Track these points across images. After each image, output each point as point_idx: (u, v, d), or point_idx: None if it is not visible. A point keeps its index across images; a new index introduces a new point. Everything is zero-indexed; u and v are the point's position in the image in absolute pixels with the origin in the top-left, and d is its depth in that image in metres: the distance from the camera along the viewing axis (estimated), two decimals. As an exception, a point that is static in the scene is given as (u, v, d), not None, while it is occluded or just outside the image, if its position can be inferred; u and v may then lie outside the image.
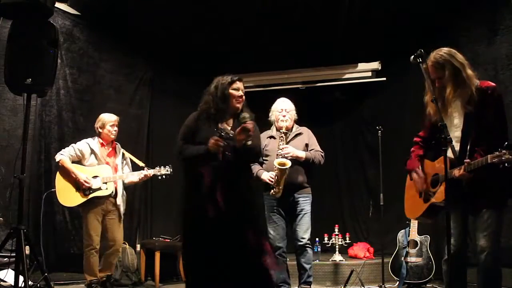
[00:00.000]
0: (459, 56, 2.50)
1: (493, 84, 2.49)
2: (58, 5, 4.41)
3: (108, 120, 3.97)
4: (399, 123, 5.11)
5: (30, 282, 2.76)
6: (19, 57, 2.83)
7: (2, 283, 3.59)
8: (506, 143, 2.18)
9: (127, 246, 4.61)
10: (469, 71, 2.48)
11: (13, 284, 2.76)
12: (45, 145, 4.60)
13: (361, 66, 5.67)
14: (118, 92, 5.24)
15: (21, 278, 2.66)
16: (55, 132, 4.68)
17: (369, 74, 5.68)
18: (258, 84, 5.76)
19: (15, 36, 2.86)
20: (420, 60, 2.44)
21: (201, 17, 4.91)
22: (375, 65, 5.61)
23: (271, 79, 5.82)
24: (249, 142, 2.58)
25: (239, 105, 2.78)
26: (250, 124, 2.60)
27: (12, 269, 2.98)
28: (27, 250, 2.79)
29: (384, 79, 5.57)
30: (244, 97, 2.81)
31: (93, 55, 5.05)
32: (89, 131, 4.74)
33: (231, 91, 2.76)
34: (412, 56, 2.47)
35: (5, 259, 3.63)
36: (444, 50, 2.52)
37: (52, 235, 4.48)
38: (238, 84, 2.80)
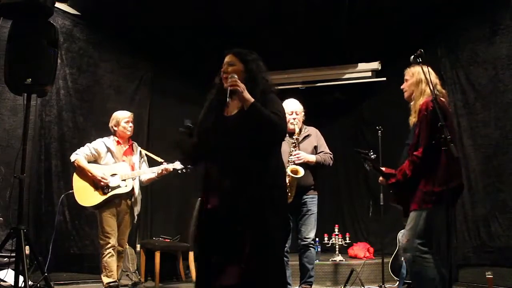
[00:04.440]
0: (430, 75, 2.69)
1: (425, 101, 2.65)
2: (58, 5, 4.41)
3: (122, 117, 3.90)
4: (399, 123, 5.10)
5: (30, 282, 2.76)
6: (19, 57, 2.82)
7: (2, 283, 3.58)
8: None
9: (127, 246, 4.60)
10: (426, 88, 2.69)
11: (13, 284, 2.76)
12: (45, 145, 4.60)
13: (361, 66, 5.67)
14: (118, 92, 5.24)
15: (21, 278, 2.66)
16: (55, 132, 4.68)
17: (369, 74, 5.68)
18: (258, 84, 5.76)
19: (15, 36, 2.86)
20: (420, 60, 2.50)
21: (201, 17, 4.91)
22: (375, 65, 5.62)
23: (271, 79, 5.82)
24: (229, 98, 2.21)
25: (226, 83, 2.29)
26: (231, 81, 2.22)
27: (12, 269, 2.97)
28: (27, 250, 2.80)
29: (384, 79, 5.57)
30: (231, 67, 2.34)
31: (93, 55, 5.05)
32: (89, 131, 4.76)
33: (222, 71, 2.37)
34: (412, 56, 2.55)
35: (5, 259, 3.63)
36: (420, 66, 2.74)
37: (52, 235, 4.47)
38: (226, 58, 2.39)
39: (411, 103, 2.81)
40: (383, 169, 2.84)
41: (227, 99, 2.24)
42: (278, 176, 2.36)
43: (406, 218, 2.73)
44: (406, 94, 2.85)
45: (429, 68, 2.66)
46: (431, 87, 2.52)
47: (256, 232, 2.17)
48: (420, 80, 2.71)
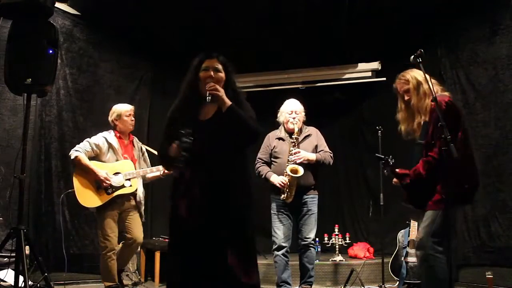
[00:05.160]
0: (422, 74, 2.69)
1: (441, 98, 2.61)
2: (58, 5, 4.41)
3: (124, 110, 3.74)
4: (399, 123, 5.12)
5: (30, 282, 2.76)
6: (19, 57, 2.83)
7: (2, 283, 3.58)
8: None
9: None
10: (427, 86, 2.69)
11: (13, 284, 2.76)
12: (45, 145, 4.59)
13: (361, 66, 5.67)
14: (118, 92, 5.24)
15: (21, 278, 2.66)
16: (55, 132, 4.67)
17: (369, 74, 5.68)
18: (258, 84, 5.76)
19: (15, 36, 2.87)
20: (420, 60, 2.51)
21: (201, 17, 4.91)
22: (375, 65, 5.62)
23: (271, 79, 5.82)
24: (209, 97, 2.25)
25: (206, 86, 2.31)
26: (211, 86, 2.27)
27: (12, 269, 2.98)
28: (27, 250, 2.80)
29: (384, 79, 5.57)
30: (218, 75, 2.35)
31: (93, 55, 5.04)
32: (89, 131, 4.74)
33: (201, 74, 2.36)
34: (412, 56, 2.56)
35: (5, 259, 3.62)
36: (409, 70, 2.82)
37: (52, 235, 4.47)
38: (207, 62, 2.38)
39: (414, 108, 2.77)
40: (397, 170, 2.80)
41: (207, 98, 2.27)
42: (250, 177, 2.48)
43: (416, 218, 2.74)
44: (414, 104, 2.76)
45: (415, 70, 2.69)
46: (431, 86, 2.52)
47: (240, 237, 2.26)
48: (419, 82, 2.71)
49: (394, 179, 2.81)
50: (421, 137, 2.73)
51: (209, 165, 2.26)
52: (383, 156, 2.82)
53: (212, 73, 2.34)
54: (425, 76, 2.58)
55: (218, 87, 2.29)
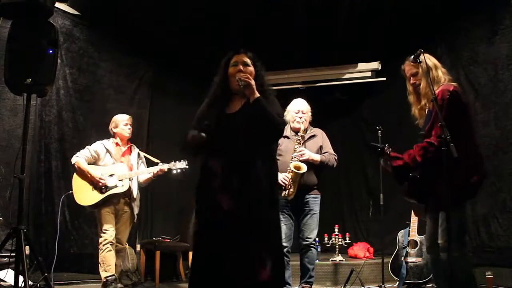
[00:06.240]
0: (432, 59, 2.66)
1: (441, 89, 2.54)
2: (58, 5, 4.42)
3: (121, 120, 4.04)
4: (399, 123, 5.11)
5: (30, 282, 2.76)
6: (19, 57, 2.82)
7: (2, 283, 3.59)
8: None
9: (127, 246, 4.60)
10: (440, 73, 2.63)
11: (13, 284, 2.76)
12: (45, 145, 4.60)
13: (361, 66, 5.67)
14: (118, 92, 5.25)
15: (21, 278, 2.66)
16: (55, 132, 4.68)
17: (369, 74, 5.69)
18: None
19: (15, 36, 2.86)
20: (419, 60, 2.50)
21: (201, 17, 4.91)
22: (375, 65, 5.62)
23: (271, 79, 5.76)
24: (242, 83, 2.31)
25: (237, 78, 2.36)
26: (244, 75, 2.34)
27: (12, 269, 2.98)
28: (27, 250, 2.80)
29: (384, 79, 5.57)
30: (248, 68, 2.41)
31: (93, 55, 5.05)
32: (89, 131, 4.77)
33: (230, 69, 2.43)
34: (412, 56, 2.53)
35: (5, 259, 3.63)
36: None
37: (52, 235, 4.47)
38: (236, 58, 2.45)
39: (421, 92, 2.66)
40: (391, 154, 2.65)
41: (240, 84, 2.32)
42: (275, 176, 2.50)
43: (422, 214, 2.67)
44: (422, 88, 2.65)
45: (427, 54, 2.60)
46: (431, 87, 2.50)
47: (267, 230, 2.27)
48: (429, 67, 2.61)
49: (382, 163, 2.69)
50: (423, 127, 2.65)
51: (233, 158, 2.28)
52: (379, 145, 2.73)
53: (241, 67, 2.41)
54: (426, 65, 2.54)
55: (250, 77, 2.35)
